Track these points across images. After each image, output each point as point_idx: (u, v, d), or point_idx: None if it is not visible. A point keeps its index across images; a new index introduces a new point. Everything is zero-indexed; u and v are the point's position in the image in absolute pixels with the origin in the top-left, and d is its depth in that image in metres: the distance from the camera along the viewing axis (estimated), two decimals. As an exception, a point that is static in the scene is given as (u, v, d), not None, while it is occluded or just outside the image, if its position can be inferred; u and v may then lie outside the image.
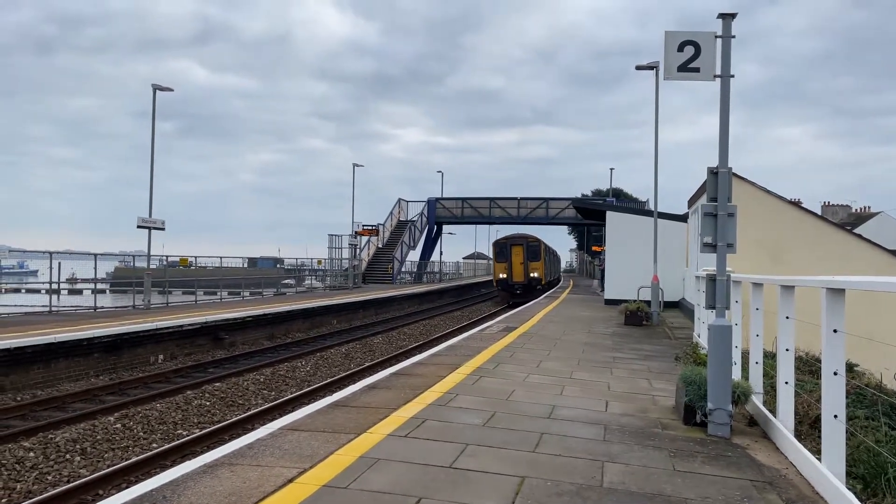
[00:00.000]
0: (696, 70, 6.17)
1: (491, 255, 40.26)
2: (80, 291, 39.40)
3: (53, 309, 19.39)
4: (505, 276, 36.75)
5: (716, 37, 6.14)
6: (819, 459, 4.39)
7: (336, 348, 18.28)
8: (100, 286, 26.57)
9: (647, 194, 73.59)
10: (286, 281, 43.29)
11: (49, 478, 7.56)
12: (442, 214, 47.54)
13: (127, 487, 5.42)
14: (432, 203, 47.26)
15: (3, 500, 6.92)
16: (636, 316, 16.62)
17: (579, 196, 65.68)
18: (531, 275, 36.33)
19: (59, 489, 6.93)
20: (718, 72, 6.13)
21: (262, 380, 13.46)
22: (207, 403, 11.32)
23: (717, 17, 6.17)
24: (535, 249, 36.89)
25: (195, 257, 33.03)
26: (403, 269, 47.50)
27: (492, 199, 46.96)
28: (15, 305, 24.53)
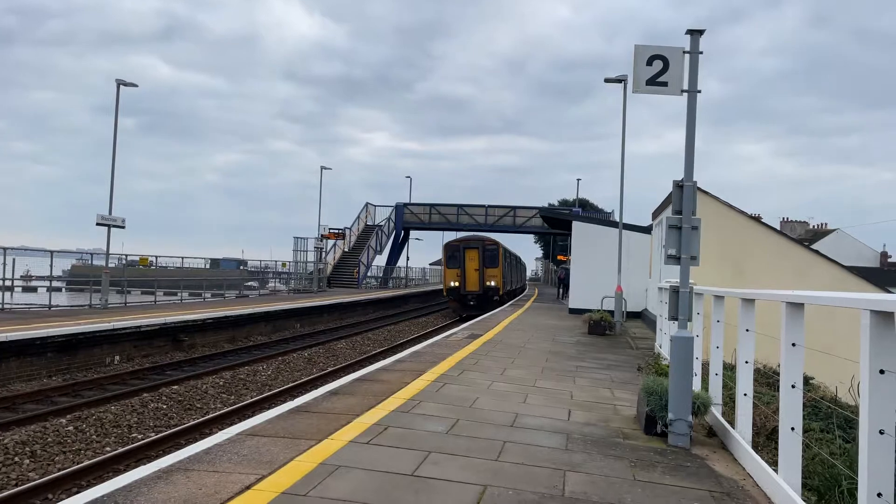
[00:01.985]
0: (664, 84, 6.25)
1: (442, 260, 34.40)
2: (34, 289, 38.28)
3: (6, 306, 18.81)
4: (457, 284, 32.04)
5: (684, 52, 6.24)
6: (776, 471, 4.45)
7: (299, 352, 18.06)
8: (55, 284, 25.86)
9: (612, 205, 74.62)
10: (249, 283, 42.69)
11: (-5, 481, 7.30)
12: (409, 220, 47.47)
13: (78, 492, 5.26)
14: (400, 208, 47.17)
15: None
16: (600, 325, 16.77)
17: (546, 205, 66.27)
18: (487, 283, 32.00)
19: (5, 493, 6.69)
20: (686, 87, 6.22)
21: (221, 383, 13.22)
22: (164, 407, 11.07)
23: (686, 34, 6.27)
24: (492, 254, 32.58)
25: (156, 257, 32.38)
26: (369, 274, 47.26)
27: (459, 206, 47.06)
28: (-35, 302, 23.69)
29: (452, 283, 32.37)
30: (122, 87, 22.44)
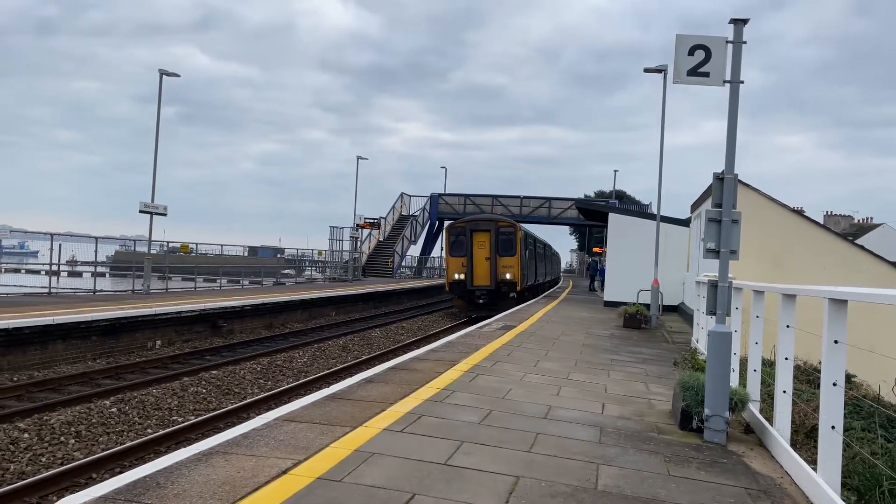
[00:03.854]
0: (706, 75, 6.13)
1: (444, 246, 27.27)
2: (79, 274, 39.42)
3: (53, 290, 19.39)
4: (462, 277, 25.15)
5: (727, 42, 6.10)
6: (815, 469, 4.38)
7: (334, 340, 18.28)
8: (100, 269, 26.55)
9: (647, 197, 73.69)
10: (286, 271, 43.29)
11: (43, 459, 7.56)
12: (444, 210, 47.48)
13: (121, 472, 5.42)
14: (434, 198, 47.23)
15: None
16: (635, 319, 16.59)
17: (582, 197, 65.73)
18: (501, 277, 25.14)
19: (52, 471, 6.93)
20: (728, 77, 6.10)
21: (259, 369, 13.46)
22: (204, 391, 11.32)
23: (729, 23, 6.14)
24: (508, 238, 25.44)
25: (196, 244, 33.05)
26: (404, 264, 47.50)
27: (494, 197, 46.93)
28: (14, 286, 24.52)
29: (457, 276, 25.41)
30: (164, 76, 22.86)
